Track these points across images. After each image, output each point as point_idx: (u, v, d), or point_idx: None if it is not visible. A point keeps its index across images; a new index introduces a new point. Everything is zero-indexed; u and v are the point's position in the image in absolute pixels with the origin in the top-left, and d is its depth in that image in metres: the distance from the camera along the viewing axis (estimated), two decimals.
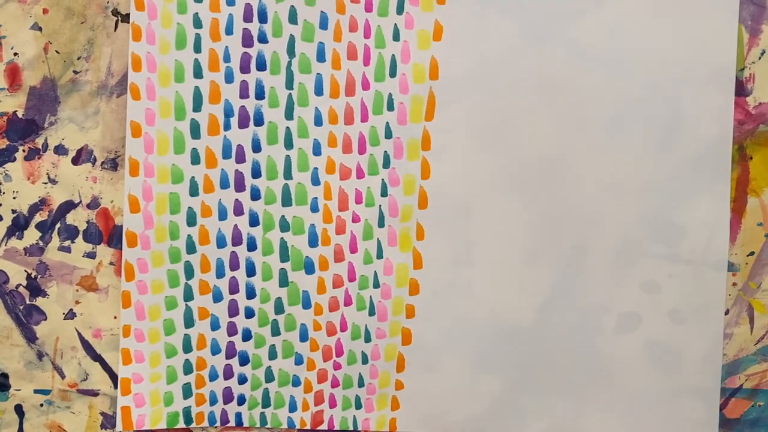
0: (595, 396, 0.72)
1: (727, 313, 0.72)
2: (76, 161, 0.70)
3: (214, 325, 0.71)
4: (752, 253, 0.72)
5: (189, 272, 0.70)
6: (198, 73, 0.68)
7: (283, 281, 0.71)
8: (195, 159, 0.69)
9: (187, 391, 0.71)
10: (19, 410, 0.72)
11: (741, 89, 0.70)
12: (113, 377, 0.72)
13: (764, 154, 0.71)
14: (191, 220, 0.69)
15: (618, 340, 0.71)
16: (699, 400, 0.71)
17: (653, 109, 0.70)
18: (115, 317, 0.71)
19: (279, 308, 0.71)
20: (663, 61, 0.69)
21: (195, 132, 0.69)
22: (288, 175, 0.70)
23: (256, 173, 0.70)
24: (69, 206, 0.71)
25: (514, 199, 0.70)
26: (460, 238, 0.71)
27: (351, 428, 0.72)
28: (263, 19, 0.68)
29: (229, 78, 0.69)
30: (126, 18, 0.69)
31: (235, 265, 0.70)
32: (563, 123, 0.70)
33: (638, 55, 0.69)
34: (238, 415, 0.72)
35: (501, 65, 0.69)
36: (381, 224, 0.70)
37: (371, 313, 0.71)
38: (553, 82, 0.70)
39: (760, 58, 0.70)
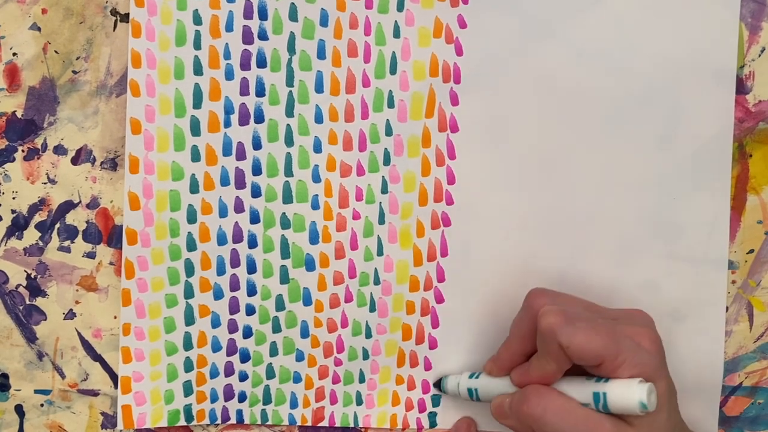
0: None
1: (726, 310, 0.72)
2: (75, 161, 0.70)
3: (215, 323, 0.71)
4: (752, 251, 0.72)
5: (189, 269, 0.70)
6: (198, 70, 0.68)
7: (284, 278, 0.71)
8: (195, 156, 0.69)
9: (187, 389, 0.71)
10: (19, 410, 0.72)
11: (741, 87, 0.70)
12: (113, 377, 0.71)
13: (764, 152, 0.71)
14: (191, 218, 0.69)
15: None
16: (699, 398, 0.71)
17: (653, 107, 0.70)
18: (115, 317, 0.71)
19: (280, 305, 0.71)
20: (663, 59, 0.69)
21: (195, 129, 0.69)
22: (288, 172, 0.70)
23: (256, 170, 0.70)
24: (68, 206, 0.71)
25: (514, 197, 0.70)
26: (459, 236, 0.71)
27: (352, 425, 0.72)
28: (263, 16, 0.68)
29: (229, 75, 0.69)
30: (125, 18, 0.69)
31: (235, 263, 0.70)
32: (563, 121, 0.70)
33: (638, 52, 0.69)
34: (239, 413, 0.72)
35: (500, 63, 0.70)
36: (381, 221, 0.70)
37: (372, 309, 0.71)
38: (554, 80, 0.70)
39: (760, 56, 0.70)
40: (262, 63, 0.69)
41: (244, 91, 0.69)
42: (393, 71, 0.69)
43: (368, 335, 0.71)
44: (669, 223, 0.70)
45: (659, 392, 0.59)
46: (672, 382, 0.62)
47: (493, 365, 0.67)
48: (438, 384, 0.72)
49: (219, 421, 0.72)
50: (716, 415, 0.72)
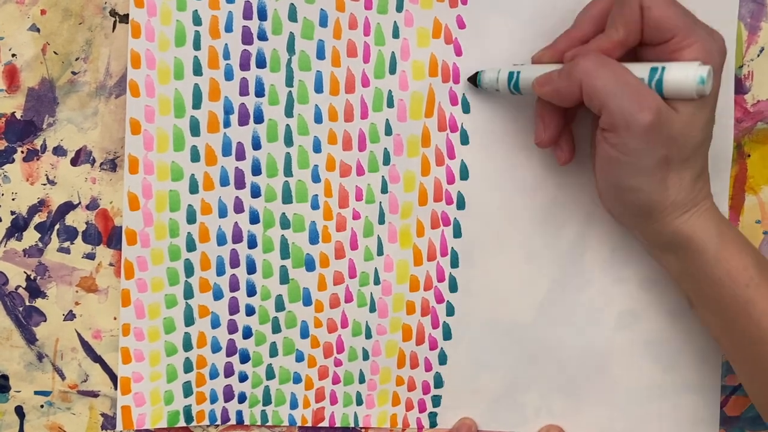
0: (595, 393, 0.71)
1: None
2: (75, 162, 0.70)
3: (215, 323, 0.71)
4: None
5: (189, 270, 0.70)
6: (197, 71, 0.68)
7: (284, 278, 0.71)
8: (195, 156, 0.69)
9: (187, 390, 0.71)
10: (19, 412, 0.72)
11: (739, 87, 0.70)
12: (113, 378, 0.71)
13: (762, 152, 0.71)
14: (191, 218, 0.69)
15: (617, 337, 0.71)
16: (699, 398, 0.71)
17: None
18: (115, 318, 0.71)
19: (279, 305, 0.71)
20: None
21: (195, 129, 0.69)
22: (288, 172, 0.70)
23: (256, 170, 0.70)
24: (68, 207, 0.71)
25: (513, 196, 0.70)
26: (459, 235, 0.71)
27: (352, 425, 0.72)
28: (263, 16, 0.68)
29: (228, 75, 0.69)
30: (124, 18, 0.69)
31: (235, 263, 0.70)
32: None
33: None
34: (239, 413, 0.72)
35: (500, 63, 0.69)
36: (381, 221, 0.70)
37: (372, 309, 0.71)
38: None
39: (758, 56, 0.70)
40: (261, 63, 0.69)
41: (243, 91, 0.69)
42: (392, 71, 0.69)
43: (368, 336, 0.71)
44: None
45: (714, 86, 0.59)
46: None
47: (545, 52, 0.65)
48: (473, 79, 0.70)
49: (219, 422, 0.72)
50: (717, 414, 0.72)
